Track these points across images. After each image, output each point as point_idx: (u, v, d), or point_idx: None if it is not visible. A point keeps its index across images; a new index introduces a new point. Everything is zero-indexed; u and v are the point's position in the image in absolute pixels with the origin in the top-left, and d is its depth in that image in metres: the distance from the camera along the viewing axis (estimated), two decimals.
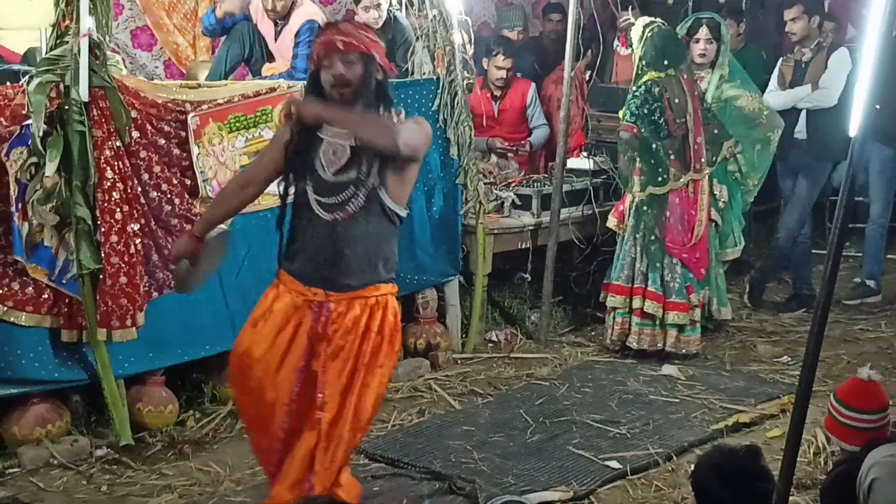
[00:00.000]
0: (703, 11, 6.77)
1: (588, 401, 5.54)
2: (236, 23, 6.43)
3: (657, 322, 6.11)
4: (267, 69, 6.26)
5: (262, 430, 3.97)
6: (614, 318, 6.21)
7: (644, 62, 6.06)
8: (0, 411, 4.81)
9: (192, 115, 5.04)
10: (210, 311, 5.22)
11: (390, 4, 6.77)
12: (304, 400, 3.83)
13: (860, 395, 3.67)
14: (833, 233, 3.49)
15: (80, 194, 4.65)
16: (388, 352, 3.86)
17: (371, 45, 3.74)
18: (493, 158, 7.26)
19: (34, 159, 4.61)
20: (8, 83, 4.78)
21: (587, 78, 7.60)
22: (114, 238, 4.73)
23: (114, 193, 4.72)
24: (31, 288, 4.71)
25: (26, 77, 4.67)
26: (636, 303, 6.12)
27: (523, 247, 6.57)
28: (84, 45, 4.55)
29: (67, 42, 4.59)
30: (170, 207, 5.00)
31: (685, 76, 6.10)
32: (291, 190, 3.80)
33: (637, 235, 6.11)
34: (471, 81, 6.31)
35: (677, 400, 5.54)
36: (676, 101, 6.02)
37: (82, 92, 4.58)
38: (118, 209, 4.73)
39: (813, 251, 7.40)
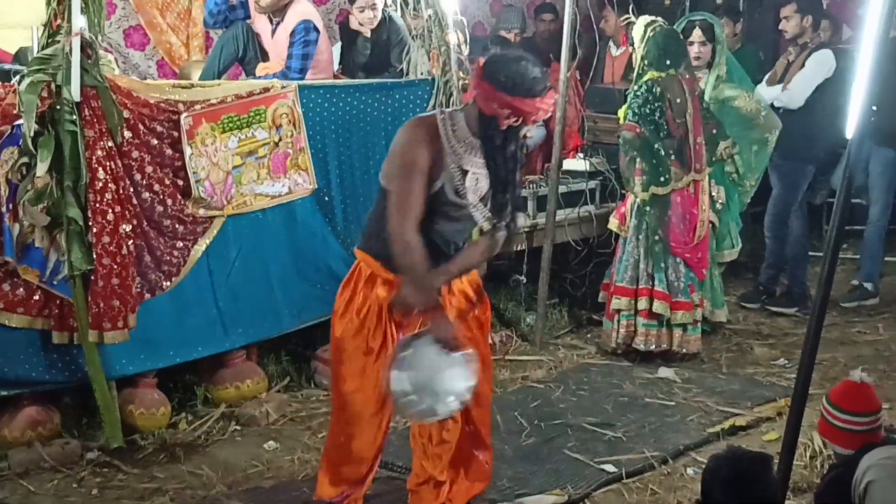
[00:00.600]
0: (698, 11, 6.75)
1: (583, 404, 5.51)
2: (245, 5, 6.39)
3: (663, 322, 6.07)
4: (261, 69, 6.23)
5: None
6: (619, 320, 6.16)
7: (646, 61, 6.03)
8: None
9: (184, 115, 5.02)
10: (202, 313, 5.20)
11: (385, 4, 6.74)
12: None
13: (853, 398, 3.65)
14: (829, 234, 3.47)
15: (71, 195, 4.63)
16: None
17: None
18: None
19: (25, 159, 4.59)
20: None
21: (578, 78, 7.57)
22: (106, 239, 4.70)
23: (106, 194, 4.69)
24: (21, 289, 4.68)
25: (17, 76, 4.66)
26: (642, 304, 6.08)
27: (519, 248, 6.53)
28: (76, 44, 4.53)
29: (59, 41, 4.58)
30: (162, 208, 4.97)
31: (686, 76, 6.08)
32: None
33: (640, 236, 6.08)
34: (466, 82, 6.27)
35: (673, 403, 5.51)
36: (678, 100, 6.00)
37: (74, 91, 4.56)
38: (110, 210, 4.71)
39: (810, 253, 7.38)
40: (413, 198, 3.66)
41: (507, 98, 3.58)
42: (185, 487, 4.59)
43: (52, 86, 4.57)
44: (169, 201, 4.99)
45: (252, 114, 5.29)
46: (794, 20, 6.90)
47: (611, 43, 8.02)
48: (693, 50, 6.35)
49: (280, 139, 5.41)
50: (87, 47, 4.58)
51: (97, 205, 4.68)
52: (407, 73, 6.19)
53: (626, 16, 6.57)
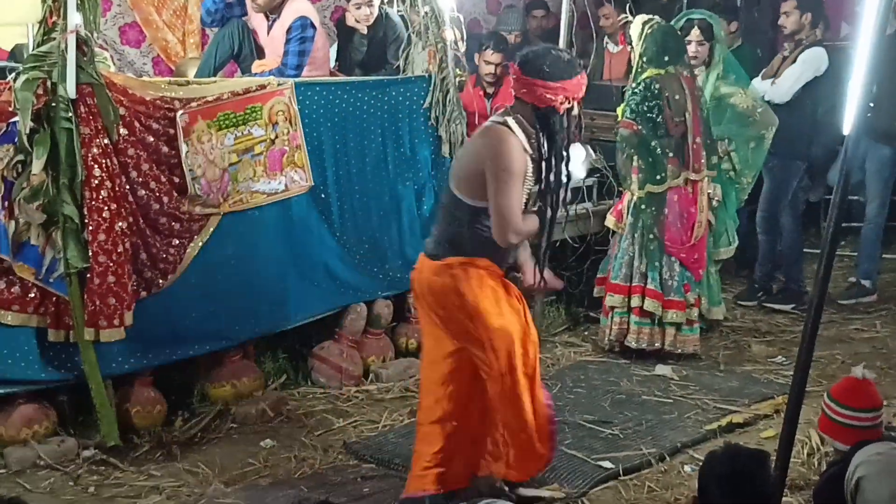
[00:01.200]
0: (695, 10, 6.73)
1: (581, 401, 5.50)
2: (242, 2, 6.38)
3: (655, 320, 6.07)
4: (257, 66, 6.22)
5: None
6: (612, 317, 6.16)
7: (644, 59, 6.02)
8: None
9: (180, 112, 5.01)
10: (198, 311, 5.19)
11: (382, 1, 6.73)
12: None
13: (854, 394, 3.65)
14: (826, 231, 3.46)
15: (67, 192, 4.62)
16: None
17: None
18: None
19: (21, 157, 4.59)
20: None
21: None
22: (101, 237, 4.69)
23: (101, 191, 4.69)
24: (17, 287, 4.68)
25: (13, 74, 4.64)
26: (635, 301, 6.08)
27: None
28: (71, 41, 4.53)
29: (55, 38, 4.57)
30: (158, 206, 4.96)
31: (685, 74, 6.06)
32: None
33: (636, 234, 6.08)
34: (463, 79, 6.27)
35: (671, 400, 5.51)
36: (676, 97, 5.98)
37: (70, 89, 4.56)
38: (106, 207, 4.70)
39: (807, 250, 7.37)
40: (519, 198, 4.05)
41: (556, 85, 3.98)
42: (181, 485, 4.58)
43: (48, 83, 4.56)
44: (165, 199, 4.98)
45: (248, 111, 5.28)
46: (793, 16, 6.89)
47: (608, 40, 8.01)
48: (691, 49, 6.34)
49: (276, 136, 5.40)
50: (82, 44, 4.57)
51: (93, 202, 4.67)
52: (403, 70, 6.18)
53: (623, 15, 6.55)
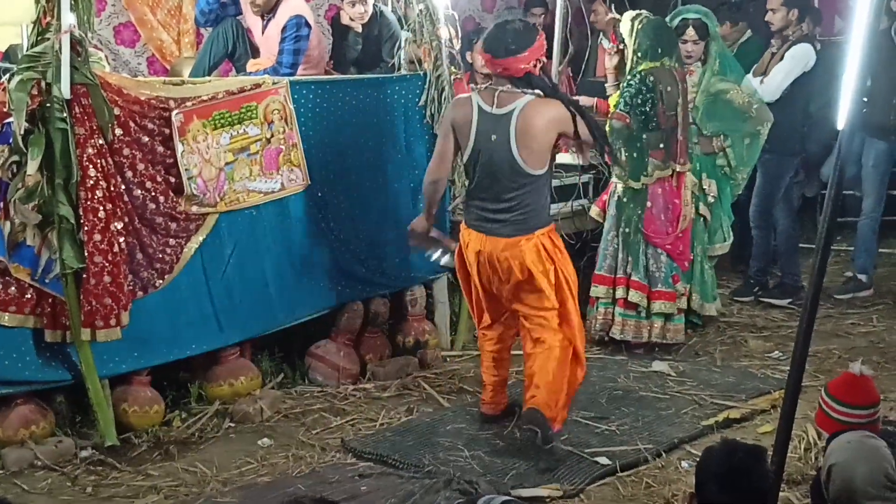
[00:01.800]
0: (690, 7, 6.70)
1: (578, 397, 5.45)
2: (236, 2, 6.38)
3: (641, 313, 6.10)
4: (252, 65, 6.22)
5: None
6: (597, 307, 6.21)
7: (638, 54, 6.02)
8: None
9: (176, 112, 5.00)
10: (196, 310, 5.19)
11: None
12: None
13: (852, 391, 3.65)
14: (821, 226, 3.47)
15: (62, 193, 4.61)
16: None
17: None
18: None
19: (16, 157, 4.58)
20: None
21: (570, 73, 7.56)
22: (97, 237, 4.69)
23: (97, 192, 4.68)
24: (13, 288, 4.67)
25: (7, 74, 4.63)
26: (619, 292, 6.13)
27: None
28: (66, 41, 4.51)
29: (49, 39, 4.56)
30: (154, 205, 4.96)
31: (676, 67, 6.08)
32: None
33: (620, 227, 6.12)
34: (458, 77, 6.27)
35: (668, 396, 5.51)
36: (669, 90, 6.00)
37: (64, 89, 4.54)
38: (101, 207, 4.69)
39: (804, 245, 7.38)
40: None
41: (525, 55, 4.64)
42: (179, 485, 4.58)
43: (42, 83, 4.55)
44: (161, 198, 4.97)
45: (244, 110, 5.27)
46: (780, 13, 6.93)
47: (602, 37, 8.00)
48: (686, 48, 6.34)
49: (272, 135, 5.40)
50: (76, 44, 4.56)
51: (88, 202, 4.66)
52: (398, 68, 6.18)
53: (611, 15, 6.55)
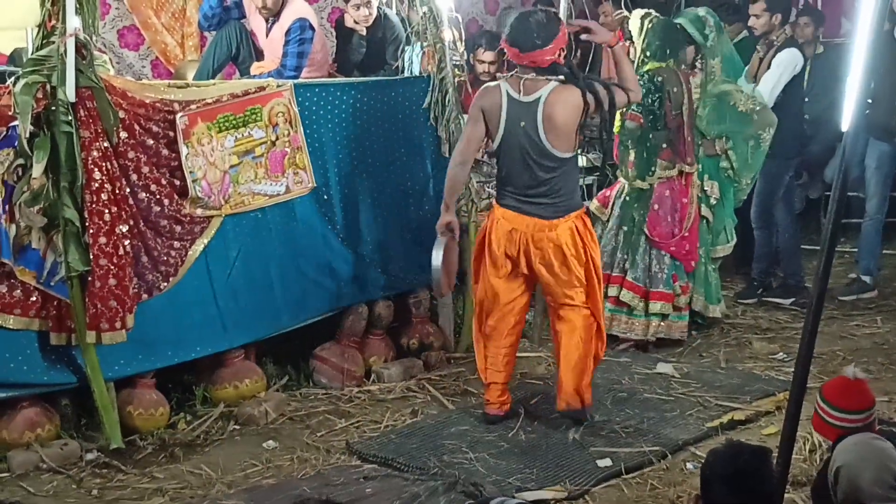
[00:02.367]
0: (689, 11, 6.67)
1: None
2: (240, 5, 6.39)
3: (634, 311, 6.15)
4: (256, 68, 6.23)
5: None
6: None
7: (647, 53, 6.03)
8: None
9: (180, 114, 5.01)
10: (201, 313, 5.19)
11: (380, 2, 6.73)
12: None
13: (847, 395, 3.62)
14: (826, 228, 3.46)
15: (67, 196, 4.62)
16: None
17: None
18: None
19: (21, 161, 4.58)
20: None
21: None
22: (102, 240, 4.69)
23: (102, 195, 4.68)
24: (18, 291, 4.67)
25: (12, 78, 4.63)
26: (612, 290, 6.16)
27: None
28: (71, 45, 4.52)
29: (54, 42, 4.56)
30: (159, 208, 4.96)
31: (682, 68, 6.08)
32: None
33: (622, 227, 6.13)
34: (462, 79, 6.27)
35: (672, 398, 5.51)
36: (675, 90, 6.01)
37: (69, 92, 4.55)
38: (106, 210, 4.70)
39: (808, 246, 7.38)
40: None
41: (551, 46, 4.79)
42: (184, 487, 4.58)
43: (48, 87, 4.55)
44: (166, 201, 4.98)
45: (248, 113, 5.28)
46: (763, 18, 6.99)
47: None
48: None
49: (277, 138, 5.40)
50: (81, 48, 4.56)
51: (93, 205, 4.66)
52: (402, 71, 6.19)
53: (619, 10, 6.55)
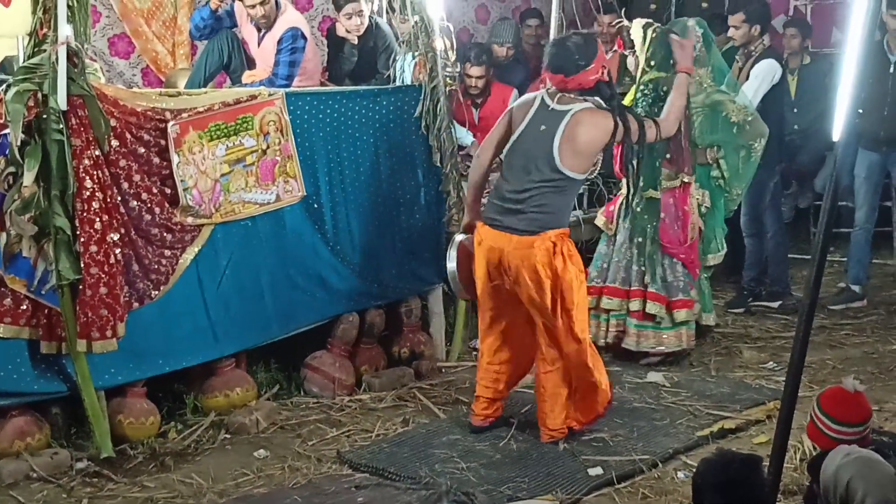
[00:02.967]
0: (679, 20, 6.68)
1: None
2: (231, 14, 6.39)
3: (660, 323, 6.07)
4: (247, 76, 6.23)
5: None
6: (608, 319, 6.16)
7: (651, 63, 5.99)
8: None
9: (172, 123, 5.00)
10: (191, 322, 5.18)
11: (372, 11, 6.74)
12: None
13: (846, 408, 3.63)
14: (817, 237, 3.48)
15: (58, 204, 4.61)
16: None
17: None
18: None
19: (12, 169, 4.57)
20: None
21: None
22: (93, 248, 4.68)
23: (93, 203, 4.68)
24: (9, 299, 4.66)
25: (3, 86, 4.63)
26: (635, 305, 6.08)
27: None
28: (62, 53, 4.52)
29: (45, 50, 4.56)
30: (150, 217, 4.96)
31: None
32: None
33: (634, 238, 6.09)
34: (453, 88, 6.28)
35: (662, 406, 5.51)
36: None
37: (60, 100, 4.55)
38: (98, 219, 4.69)
39: (797, 255, 7.41)
40: None
41: (594, 66, 4.86)
42: (175, 496, 4.57)
43: (39, 95, 4.55)
44: (157, 210, 4.97)
45: (239, 121, 5.28)
46: (742, 29, 7.05)
47: None
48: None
49: (268, 146, 5.40)
50: (73, 56, 4.57)
51: (84, 214, 4.66)
52: (394, 80, 6.19)
53: (619, 20, 6.52)
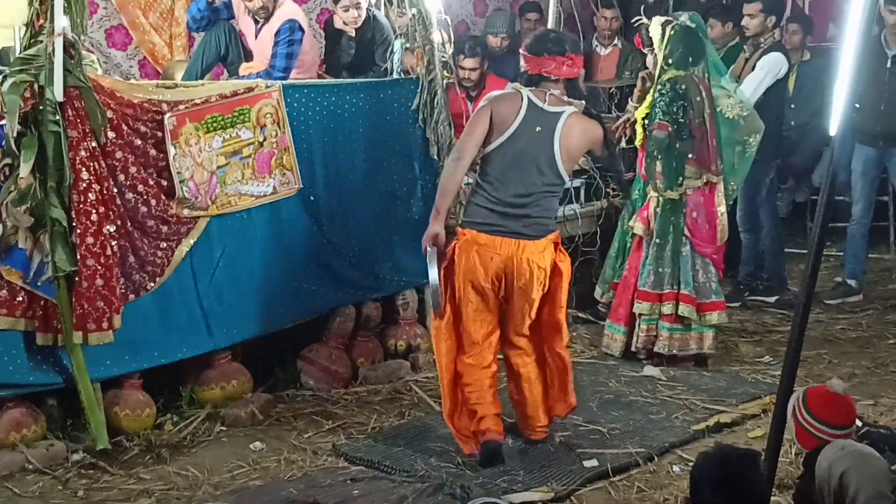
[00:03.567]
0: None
1: None
2: (228, 5, 6.38)
3: (690, 325, 5.98)
4: (244, 69, 6.22)
5: None
6: (639, 324, 6.03)
7: (669, 61, 5.90)
8: None
9: (168, 115, 5.00)
10: (186, 314, 5.19)
11: (370, 3, 6.73)
12: None
13: (834, 410, 3.61)
14: (814, 231, 3.48)
15: (55, 195, 4.61)
16: None
17: None
18: None
19: (8, 160, 4.58)
20: None
21: None
22: (89, 240, 4.68)
23: (89, 195, 4.68)
24: (4, 291, 4.66)
25: (0, 77, 4.61)
26: (667, 308, 5.95)
27: None
28: (59, 44, 4.52)
29: (42, 41, 4.56)
30: (146, 209, 4.95)
31: (702, 75, 5.99)
32: None
33: (657, 240, 5.98)
34: (450, 81, 6.27)
35: (658, 400, 5.51)
36: (697, 99, 5.91)
37: (57, 92, 4.54)
38: (94, 210, 4.69)
39: (793, 250, 7.41)
40: None
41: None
42: (170, 488, 4.57)
43: (35, 86, 4.55)
44: (153, 202, 4.97)
45: (236, 113, 5.28)
46: (758, 18, 6.95)
47: (596, 42, 8.02)
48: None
49: (265, 139, 5.40)
50: (69, 47, 4.56)
51: (81, 205, 4.66)
52: (391, 73, 6.18)
53: (638, 18, 6.40)
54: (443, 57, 6.03)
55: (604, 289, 6.45)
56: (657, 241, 6.00)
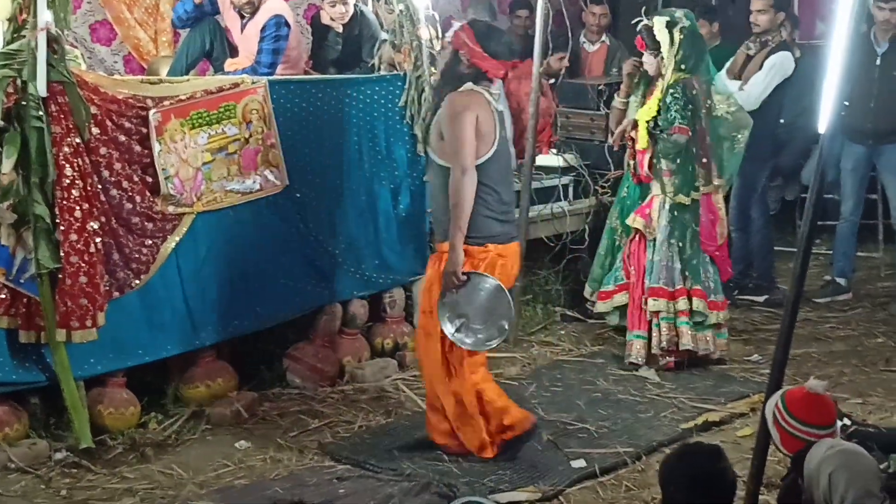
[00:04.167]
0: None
1: (557, 400, 5.50)
2: (213, 1, 6.35)
3: (705, 323, 5.93)
4: (230, 64, 6.19)
5: None
6: (658, 323, 5.93)
7: (683, 66, 5.83)
8: None
9: (153, 111, 4.96)
10: (171, 311, 5.15)
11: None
12: None
13: (815, 410, 3.58)
14: (802, 230, 3.47)
15: (38, 192, 4.58)
16: None
17: None
18: None
19: None
20: None
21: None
22: (73, 237, 4.65)
23: (73, 191, 4.64)
24: None
25: None
26: (681, 304, 5.89)
27: None
28: (42, 39, 4.48)
29: (25, 36, 4.53)
30: (131, 205, 4.93)
31: (700, 77, 5.95)
32: None
33: (671, 240, 5.91)
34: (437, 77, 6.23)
35: (646, 399, 5.51)
36: (701, 102, 5.89)
37: (40, 87, 4.51)
38: (77, 207, 4.65)
39: (783, 248, 7.40)
40: None
41: None
42: (155, 487, 4.55)
43: (18, 81, 4.51)
44: (137, 198, 4.94)
45: (222, 109, 5.24)
46: (768, 14, 6.88)
47: (584, 38, 7.99)
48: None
49: (250, 135, 5.36)
50: (53, 42, 4.53)
51: (64, 202, 4.62)
52: (378, 69, 6.15)
53: (639, 19, 6.33)
54: (430, 53, 5.99)
55: (593, 287, 6.42)
56: (672, 241, 5.91)
